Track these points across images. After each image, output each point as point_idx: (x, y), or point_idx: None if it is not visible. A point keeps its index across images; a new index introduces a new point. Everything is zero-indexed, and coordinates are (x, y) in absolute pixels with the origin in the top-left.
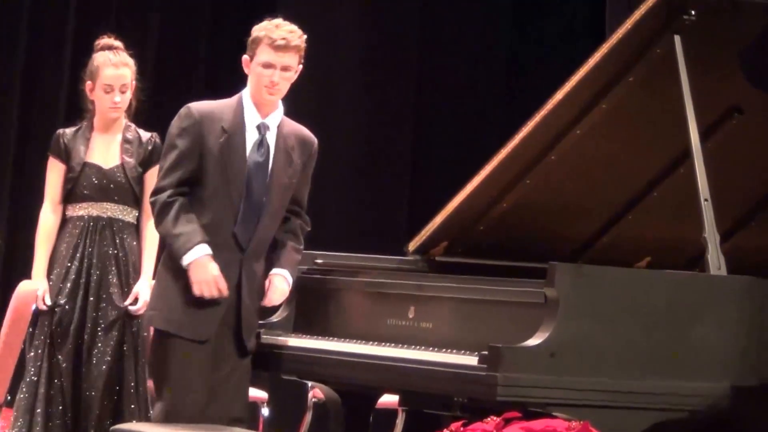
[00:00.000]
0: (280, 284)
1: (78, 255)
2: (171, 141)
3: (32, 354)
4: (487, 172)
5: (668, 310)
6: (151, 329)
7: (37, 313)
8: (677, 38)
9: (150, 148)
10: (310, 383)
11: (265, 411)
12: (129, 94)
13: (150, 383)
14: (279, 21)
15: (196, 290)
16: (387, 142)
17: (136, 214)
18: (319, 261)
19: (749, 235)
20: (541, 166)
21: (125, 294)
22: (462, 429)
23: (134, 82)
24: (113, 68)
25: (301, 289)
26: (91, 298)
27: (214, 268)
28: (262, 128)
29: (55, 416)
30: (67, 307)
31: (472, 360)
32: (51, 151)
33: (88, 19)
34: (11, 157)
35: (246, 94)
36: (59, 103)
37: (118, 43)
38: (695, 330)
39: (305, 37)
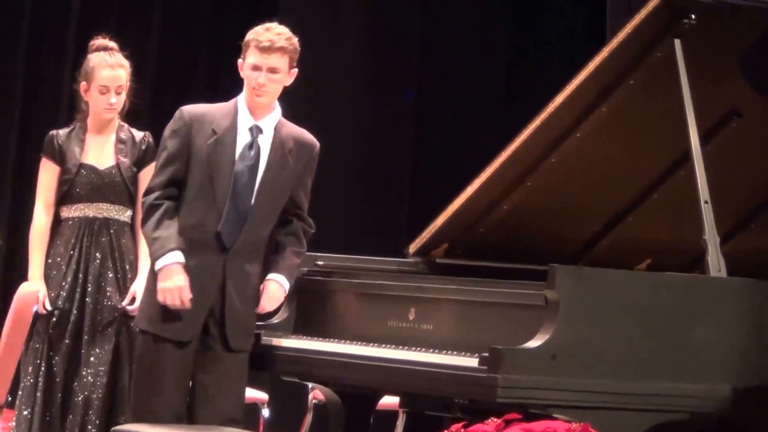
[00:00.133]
0: (274, 291)
1: (74, 256)
2: (163, 143)
3: (30, 356)
4: (487, 174)
5: (668, 311)
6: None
7: (37, 316)
8: (677, 42)
9: (143, 147)
10: (310, 384)
11: (265, 412)
12: (124, 95)
13: None
14: (271, 24)
15: (160, 297)
16: (387, 143)
17: (131, 214)
18: (320, 263)
19: (749, 237)
20: (542, 168)
21: (122, 294)
22: (462, 430)
23: (129, 83)
24: (109, 69)
25: (301, 291)
26: (88, 299)
27: (180, 279)
28: (254, 131)
29: (53, 417)
30: (65, 308)
31: (472, 362)
32: (44, 153)
33: (89, 20)
34: (12, 157)
35: (241, 97)
36: (60, 103)
37: (113, 44)
38: (695, 332)
39: (295, 39)
